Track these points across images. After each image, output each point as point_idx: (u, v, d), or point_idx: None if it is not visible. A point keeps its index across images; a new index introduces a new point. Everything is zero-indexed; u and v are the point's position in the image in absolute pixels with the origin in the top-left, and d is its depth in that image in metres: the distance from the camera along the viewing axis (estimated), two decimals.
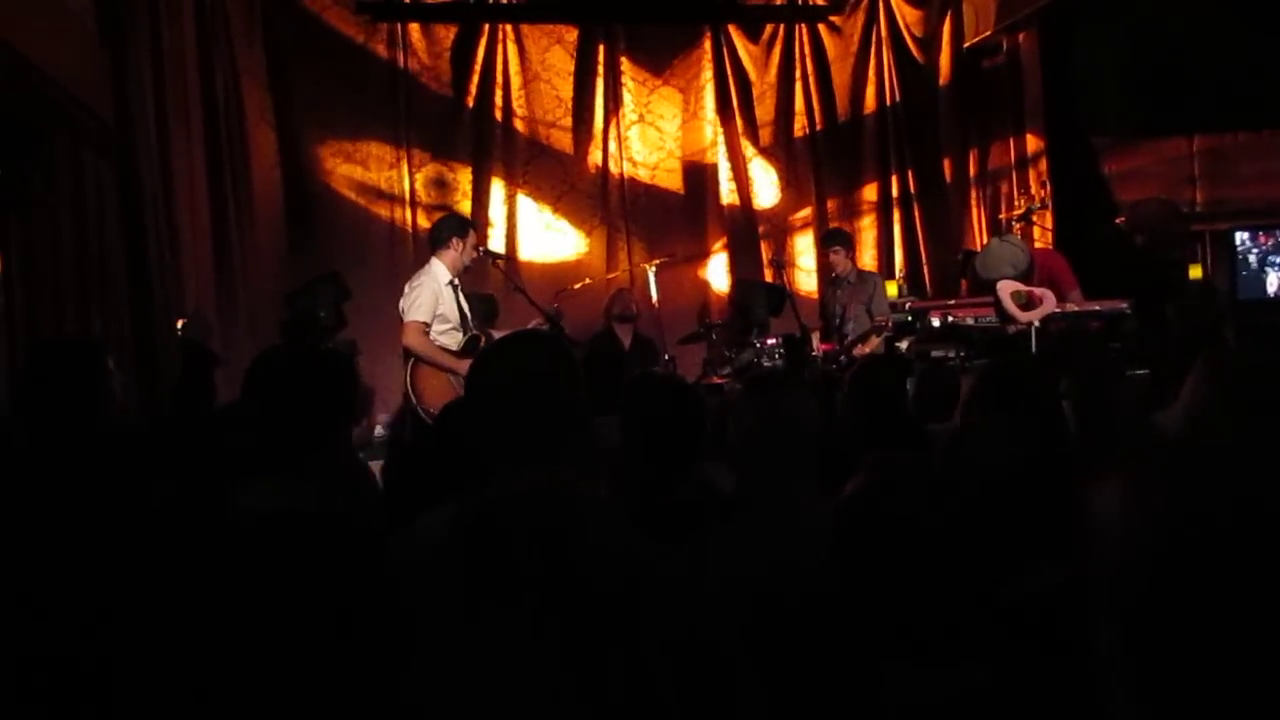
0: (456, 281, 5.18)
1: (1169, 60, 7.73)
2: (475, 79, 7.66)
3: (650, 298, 6.86)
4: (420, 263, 5.66)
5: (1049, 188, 7.95)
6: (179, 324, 5.39)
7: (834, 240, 6.70)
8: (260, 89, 7.13)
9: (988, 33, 7.99)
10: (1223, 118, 8.06)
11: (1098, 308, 6.23)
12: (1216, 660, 0.82)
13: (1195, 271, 7.23)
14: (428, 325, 4.99)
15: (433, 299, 5.02)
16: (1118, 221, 7.51)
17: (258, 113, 7.10)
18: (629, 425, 2.67)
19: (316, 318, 6.56)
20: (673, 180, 8.14)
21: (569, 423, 1.67)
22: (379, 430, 5.90)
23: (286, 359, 2.24)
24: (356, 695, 1.53)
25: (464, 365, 4.73)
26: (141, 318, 4.72)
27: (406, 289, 5.13)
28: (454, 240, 5.17)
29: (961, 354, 6.17)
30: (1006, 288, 6.22)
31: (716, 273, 8.16)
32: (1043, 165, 8.08)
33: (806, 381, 5.95)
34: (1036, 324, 6.00)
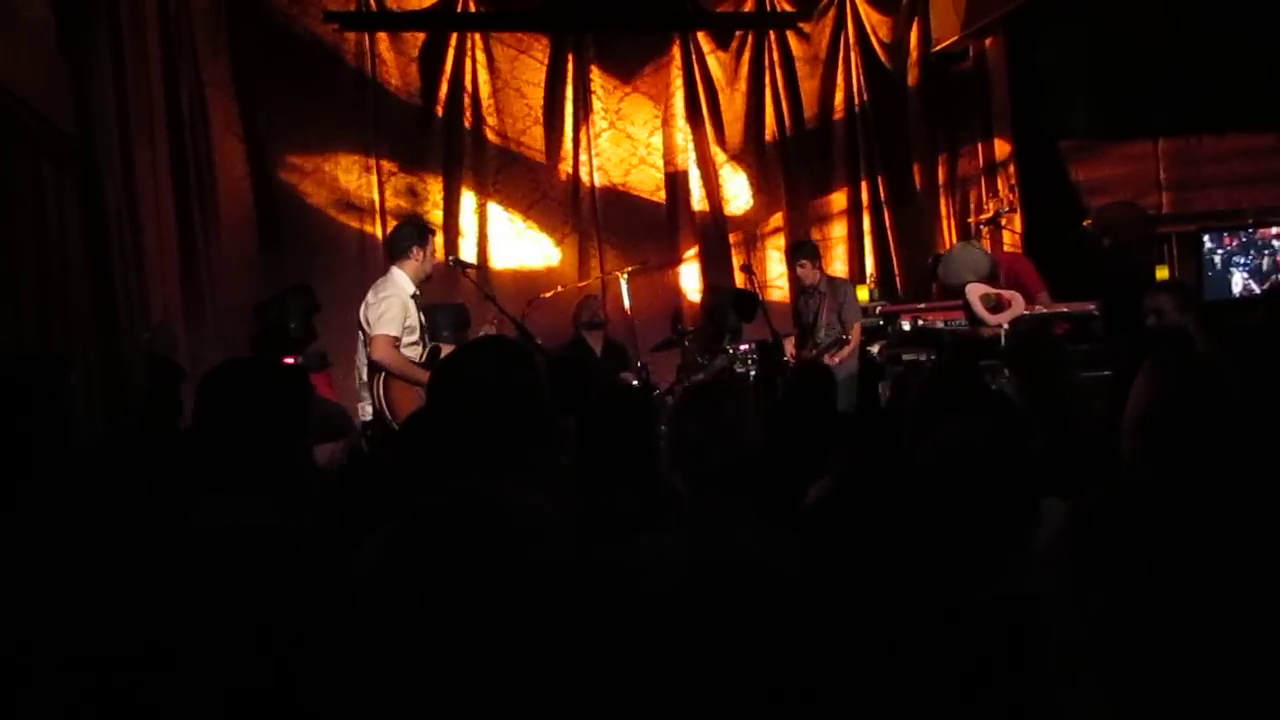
0: (417, 292, 5.03)
1: (1134, 64, 7.81)
2: (444, 88, 7.63)
3: (623, 305, 6.84)
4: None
5: (1017, 192, 8.01)
6: (144, 336, 5.30)
7: (800, 253, 6.69)
8: (226, 99, 7.08)
9: (954, 38, 8.05)
10: (1187, 121, 8.16)
11: (1066, 309, 6.28)
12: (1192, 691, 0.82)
13: (1162, 273, 7.30)
14: (398, 339, 4.83)
15: (402, 311, 4.87)
16: (1085, 224, 7.58)
17: (224, 124, 7.05)
18: (580, 431, 2.68)
19: (286, 330, 6.52)
20: (644, 187, 8.14)
21: (527, 429, 1.65)
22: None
23: (237, 374, 2.20)
24: (308, 707, 1.50)
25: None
26: (106, 332, 4.66)
27: (371, 298, 4.94)
28: (414, 250, 4.99)
29: (933, 357, 6.21)
30: (975, 291, 6.26)
31: (689, 279, 8.17)
32: (1011, 169, 8.14)
33: (748, 389, 5.98)
34: (1006, 326, 6.04)
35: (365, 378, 4.98)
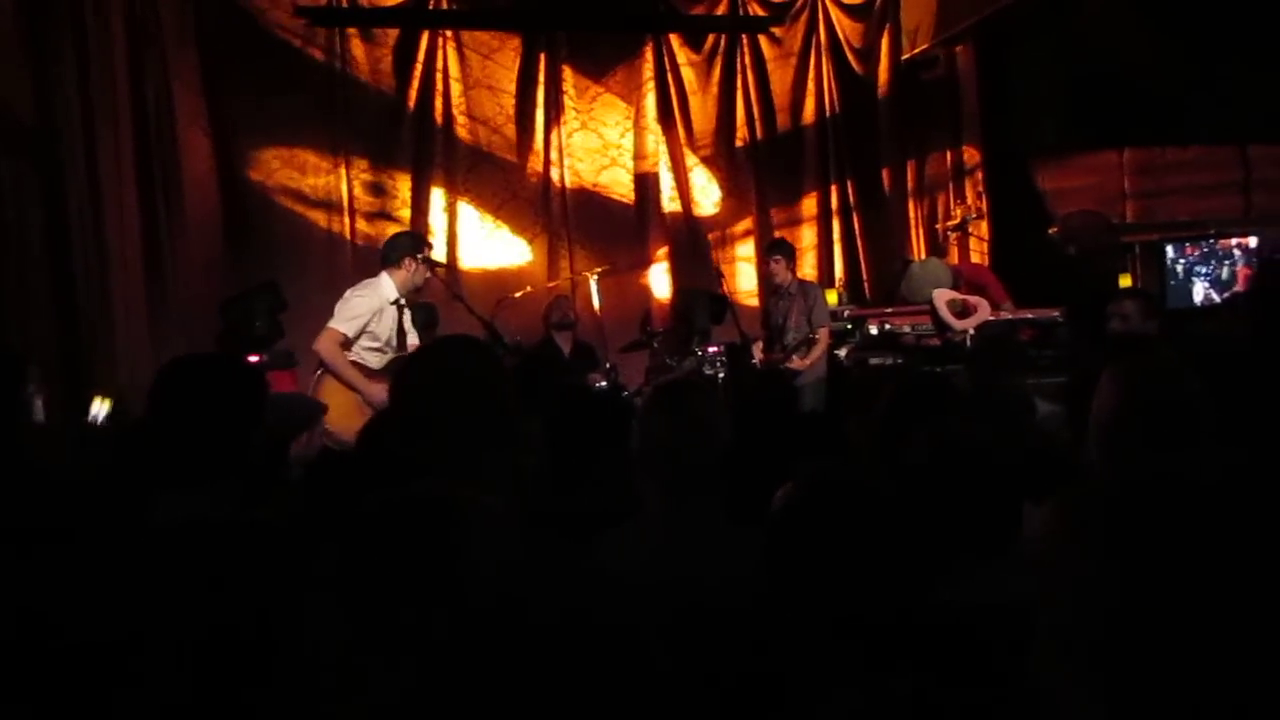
0: (403, 301, 4.91)
1: (1101, 76, 7.90)
2: (415, 85, 7.59)
3: (593, 306, 6.84)
4: (360, 271, 5.52)
5: (985, 199, 8.09)
6: None
7: (776, 250, 6.69)
8: (193, 93, 6.99)
9: (925, 46, 8.11)
10: (1152, 133, 8.27)
11: (1031, 316, 6.35)
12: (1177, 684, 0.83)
13: (1125, 281, 7.39)
14: (347, 338, 4.69)
15: (367, 315, 4.74)
16: (1051, 232, 7.66)
17: (190, 117, 6.96)
18: (549, 432, 2.67)
19: (251, 328, 6.45)
20: (615, 188, 8.13)
21: (486, 428, 1.64)
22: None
23: (188, 370, 2.18)
24: (266, 706, 1.49)
25: (375, 389, 4.51)
26: (67, 329, 4.59)
27: (347, 293, 4.84)
28: (407, 260, 4.86)
29: (899, 360, 6.25)
30: (942, 296, 6.32)
31: (659, 281, 8.17)
32: (979, 177, 8.21)
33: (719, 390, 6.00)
34: (971, 331, 6.09)
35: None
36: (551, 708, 1.36)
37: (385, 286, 4.87)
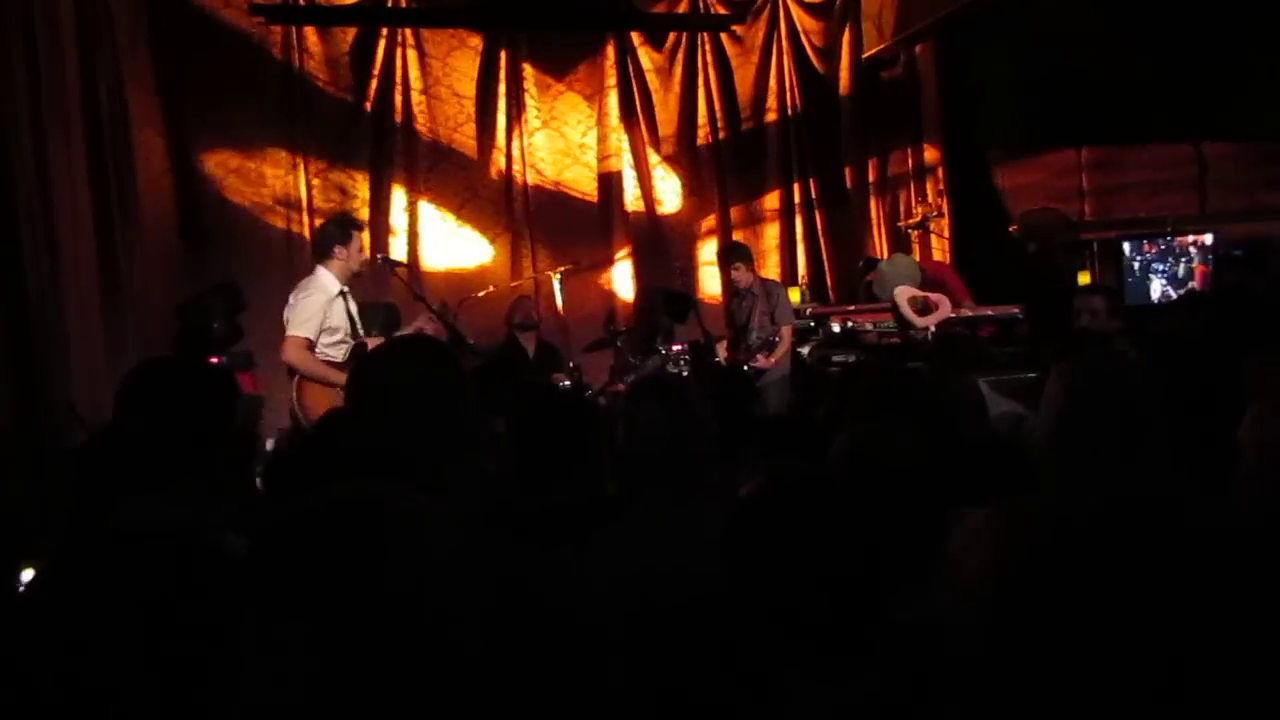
0: (346, 289, 4.92)
1: (1059, 75, 7.99)
2: (374, 84, 7.52)
3: (556, 305, 6.81)
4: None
5: (945, 197, 8.15)
6: None
7: (734, 256, 6.66)
8: (147, 94, 6.87)
9: (885, 44, 8.15)
10: (1109, 131, 8.38)
11: (991, 313, 6.40)
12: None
13: (1084, 278, 7.47)
14: (311, 341, 4.71)
15: (319, 312, 4.76)
16: (1011, 230, 7.73)
17: (144, 118, 6.83)
18: (511, 430, 2.65)
19: (210, 330, 6.36)
20: (577, 187, 8.11)
21: (441, 429, 1.62)
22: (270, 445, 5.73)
23: (158, 374, 2.14)
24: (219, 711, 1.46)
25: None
26: (18, 333, 4.50)
27: (291, 299, 4.84)
28: (338, 249, 4.87)
29: (861, 358, 6.28)
30: (904, 294, 6.35)
31: (622, 280, 8.16)
32: (939, 174, 8.28)
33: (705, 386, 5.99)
34: (933, 328, 6.13)
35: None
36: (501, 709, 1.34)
37: (325, 280, 4.87)
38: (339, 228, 5.07)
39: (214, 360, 6.01)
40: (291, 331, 4.71)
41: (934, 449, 2.04)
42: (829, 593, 1.67)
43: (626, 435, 2.32)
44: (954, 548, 0.94)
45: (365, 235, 6.36)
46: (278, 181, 7.30)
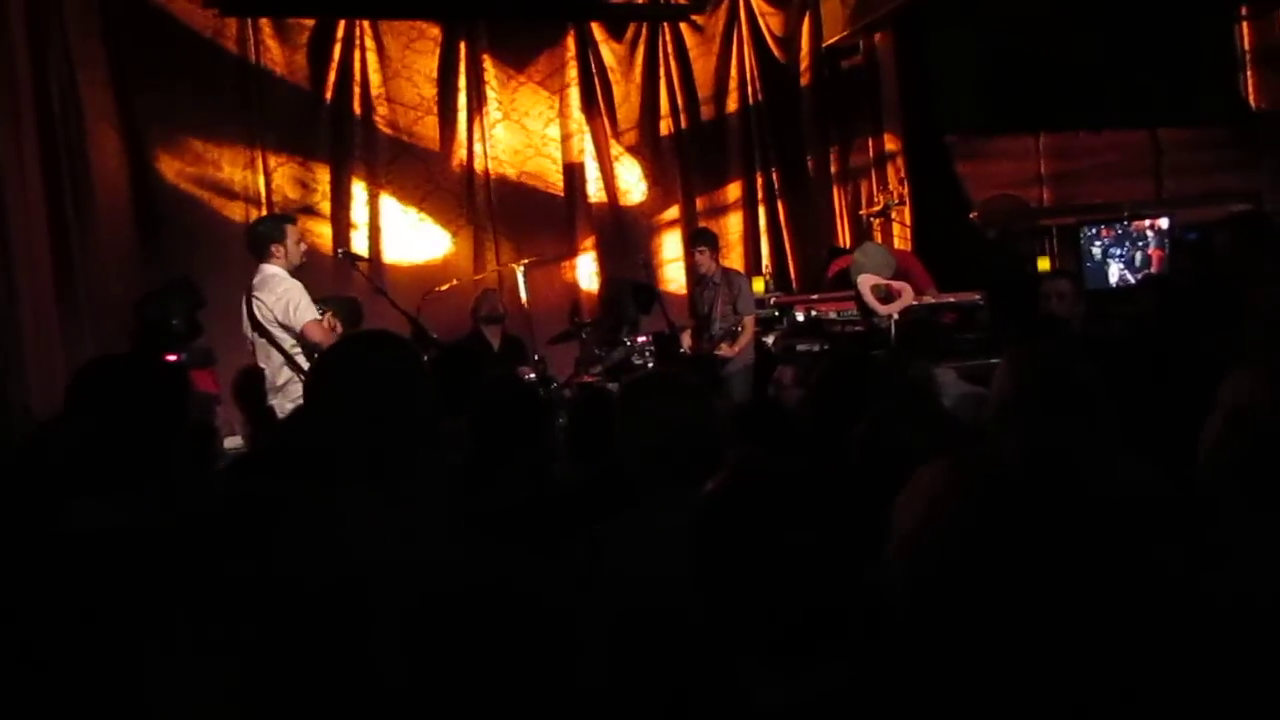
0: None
1: (1017, 61, 8.06)
2: (333, 76, 7.44)
3: (520, 298, 6.78)
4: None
5: (907, 185, 8.20)
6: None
7: (699, 240, 6.73)
8: (101, 84, 6.76)
9: (845, 33, 8.19)
10: (1066, 118, 8.47)
11: (952, 299, 6.45)
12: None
13: (1044, 264, 7.55)
14: (320, 319, 4.76)
15: (304, 294, 4.78)
16: (971, 217, 7.79)
17: (98, 110, 6.72)
18: (471, 424, 2.64)
19: (168, 326, 6.27)
20: (539, 179, 8.08)
21: (399, 426, 1.61)
22: (239, 442, 5.67)
23: (112, 370, 2.10)
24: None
25: None
26: None
27: (266, 298, 4.80)
28: (274, 247, 4.85)
29: (825, 347, 6.31)
30: (867, 281, 6.39)
31: (586, 272, 8.14)
32: (900, 163, 8.32)
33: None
34: (895, 316, 6.17)
35: (280, 382, 4.83)
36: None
37: (282, 274, 4.86)
38: (270, 225, 5.06)
39: (173, 357, 5.93)
40: (304, 318, 4.72)
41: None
42: (797, 587, 1.68)
43: (636, 428, 2.28)
44: (897, 501, 0.96)
45: (325, 227, 6.32)
46: (236, 175, 7.21)
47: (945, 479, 0.93)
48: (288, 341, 4.81)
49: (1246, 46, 9.22)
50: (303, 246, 5.02)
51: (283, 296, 4.76)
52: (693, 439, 2.17)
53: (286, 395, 4.84)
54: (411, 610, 1.46)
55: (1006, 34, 7.99)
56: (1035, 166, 8.58)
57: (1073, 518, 0.90)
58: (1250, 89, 9.21)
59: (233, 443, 5.68)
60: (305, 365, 4.81)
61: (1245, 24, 9.21)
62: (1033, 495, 0.88)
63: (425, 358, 3.50)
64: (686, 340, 6.68)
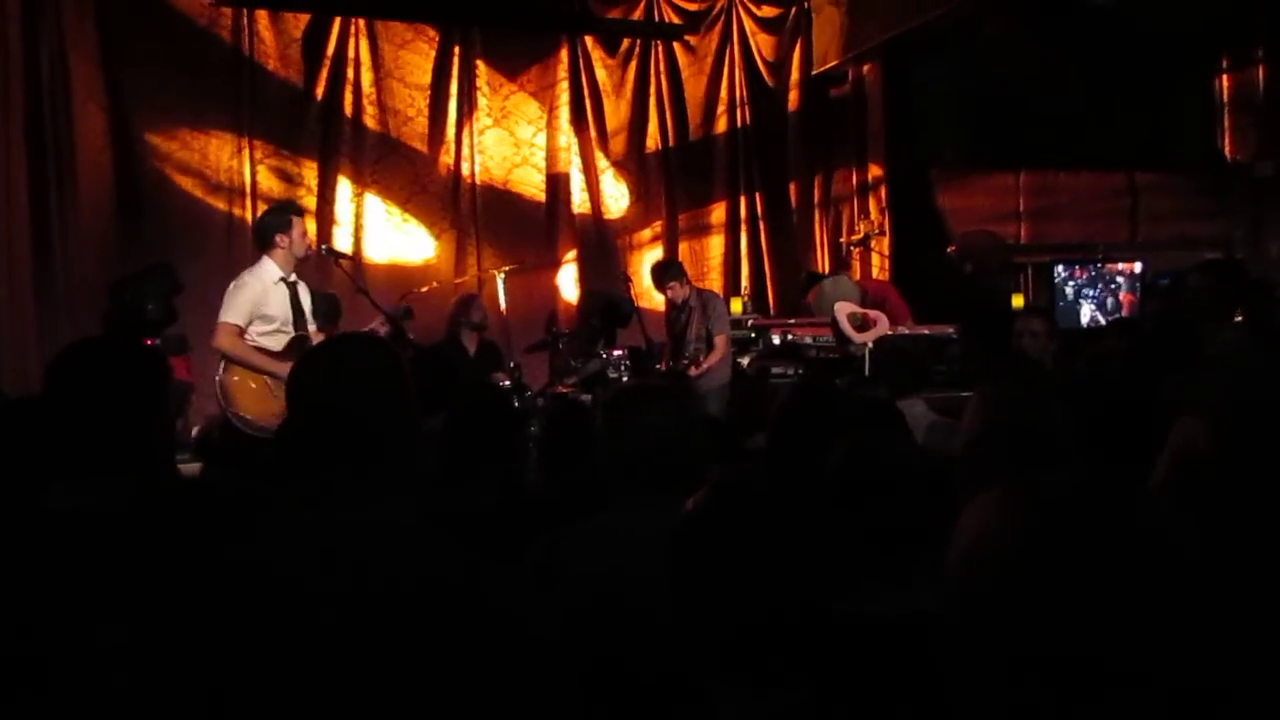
0: (292, 277, 4.90)
1: (1000, 99, 8.19)
2: (325, 72, 7.45)
3: (499, 304, 6.80)
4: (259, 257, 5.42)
5: (887, 215, 8.29)
6: None
7: (668, 276, 6.56)
8: (91, 66, 6.73)
9: (835, 62, 8.28)
10: (1045, 157, 8.60)
11: (926, 331, 6.53)
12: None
13: (1018, 300, 7.66)
14: (241, 327, 4.70)
15: (251, 300, 4.74)
16: (949, 251, 7.89)
17: (86, 91, 6.70)
18: (446, 430, 2.67)
19: (144, 311, 6.25)
20: (525, 187, 8.11)
21: (389, 427, 1.63)
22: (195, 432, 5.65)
23: (92, 352, 2.10)
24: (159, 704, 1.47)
25: (284, 367, 4.49)
26: None
27: (231, 286, 4.81)
28: (279, 237, 4.84)
29: (800, 370, 6.37)
30: (844, 309, 6.46)
31: (566, 282, 8.17)
32: (882, 193, 8.42)
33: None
34: (870, 344, 6.24)
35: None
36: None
37: (266, 269, 4.85)
38: (278, 215, 5.05)
39: (147, 342, 5.91)
40: (222, 318, 4.71)
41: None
42: (770, 606, 1.71)
43: (620, 438, 2.32)
44: (953, 529, 1.00)
45: (309, 222, 6.32)
46: (221, 164, 7.19)
47: (998, 505, 0.97)
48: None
49: (1225, 98, 9.41)
50: (307, 241, 5.04)
51: (234, 290, 4.76)
52: (674, 450, 2.21)
53: (224, 380, 4.78)
54: (371, 608, 1.49)
55: (991, 72, 8.12)
56: (1015, 202, 8.71)
57: (1125, 549, 0.95)
58: (1226, 140, 9.40)
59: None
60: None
61: (1225, 75, 9.41)
62: (1086, 524, 0.92)
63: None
64: (663, 358, 6.71)
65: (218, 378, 4.72)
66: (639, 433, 2.24)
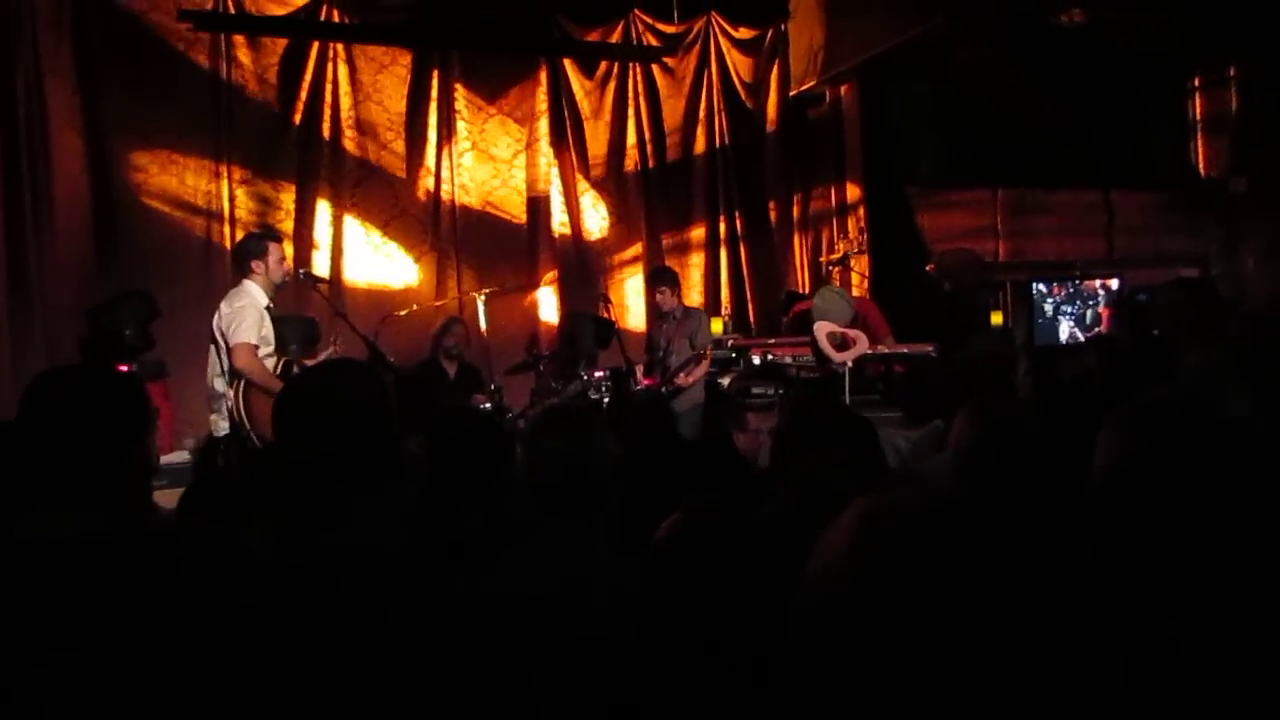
0: (270, 304, 4.97)
1: (977, 118, 8.26)
2: (303, 96, 7.44)
3: (479, 326, 6.79)
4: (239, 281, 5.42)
5: (866, 234, 8.34)
6: None
7: (662, 279, 6.81)
8: (67, 90, 6.70)
9: (812, 83, 8.34)
10: (1022, 175, 8.68)
11: (905, 350, 6.55)
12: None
13: (996, 318, 7.70)
14: (258, 347, 4.78)
15: (258, 320, 4.83)
16: (927, 269, 7.93)
17: (64, 116, 6.67)
18: (428, 455, 2.66)
19: (121, 336, 6.20)
20: (505, 209, 8.11)
21: (373, 453, 1.63)
22: (186, 456, 5.62)
23: (68, 379, 2.09)
24: None
25: None
26: None
27: (225, 309, 4.88)
28: (255, 263, 4.93)
29: (780, 390, 6.37)
30: (823, 329, 6.47)
31: (547, 304, 8.16)
32: (861, 212, 8.47)
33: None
34: (850, 364, 6.25)
35: (220, 389, 4.84)
36: None
37: (254, 293, 4.91)
38: (255, 242, 5.11)
39: (124, 368, 5.87)
40: (241, 339, 4.74)
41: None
42: (744, 629, 1.71)
43: (530, 463, 2.35)
44: (818, 539, 1.00)
45: (287, 247, 6.30)
46: (199, 188, 7.16)
47: (847, 525, 0.97)
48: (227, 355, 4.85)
49: (1198, 116, 9.53)
50: (285, 266, 5.09)
51: (236, 312, 4.82)
52: (582, 476, 2.23)
53: (220, 410, 4.83)
54: (350, 636, 1.47)
55: (967, 91, 8.19)
56: (993, 219, 8.78)
57: (971, 575, 0.95)
58: (1200, 157, 9.51)
59: (179, 458, 5.62)
60: (223, 387, 4.81)
61: (1198, 94, 9.53)
62: (928, 548, 0.92)
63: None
64: (641, 376, 6.71)
65: (237, 398, 4.75)
66: (548, 461, 2.27)
